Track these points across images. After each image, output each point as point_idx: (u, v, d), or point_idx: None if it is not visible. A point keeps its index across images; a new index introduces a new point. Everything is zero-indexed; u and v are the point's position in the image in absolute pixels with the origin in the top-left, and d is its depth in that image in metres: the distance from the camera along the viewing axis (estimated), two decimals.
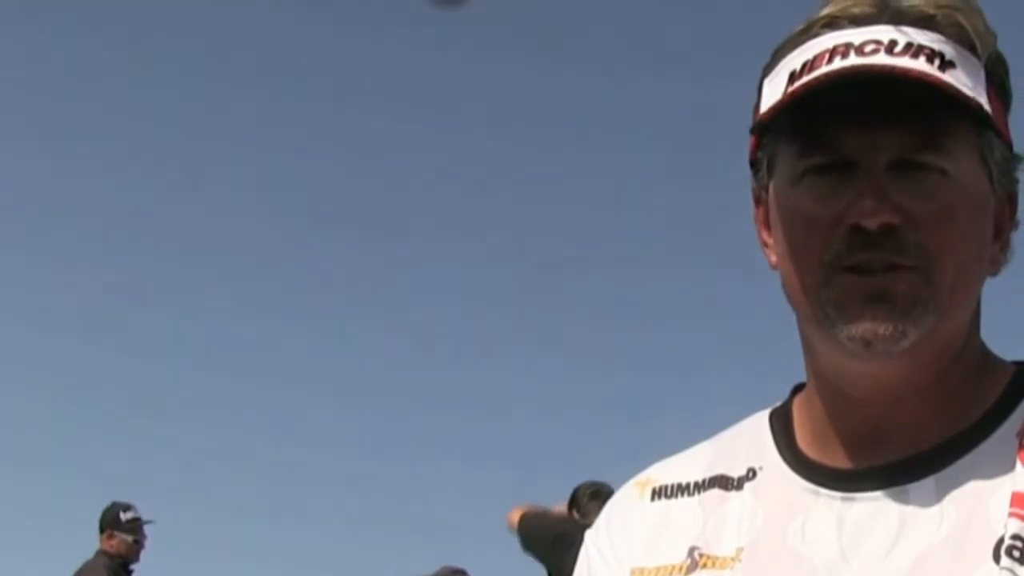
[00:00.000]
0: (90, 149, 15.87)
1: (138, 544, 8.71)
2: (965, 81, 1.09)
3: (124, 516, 8.67)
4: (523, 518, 7.17)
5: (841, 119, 1.09)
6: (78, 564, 8.50)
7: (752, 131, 1.16)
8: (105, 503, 8.61)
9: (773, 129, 1.14)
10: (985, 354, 1.19)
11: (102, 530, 8.63)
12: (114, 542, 8.58)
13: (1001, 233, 1.17)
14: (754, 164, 1.19)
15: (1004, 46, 1.14)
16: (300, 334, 16.43)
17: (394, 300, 16.25)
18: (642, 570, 1.20)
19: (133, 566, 8.68)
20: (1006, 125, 1.16)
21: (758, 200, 1.20)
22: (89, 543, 8.48)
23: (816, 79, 1.08)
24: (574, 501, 7.24)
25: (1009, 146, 1.15)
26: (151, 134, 16.08)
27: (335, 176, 16.56)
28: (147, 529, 8.73)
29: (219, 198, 16.20)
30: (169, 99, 16.38)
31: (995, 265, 1.17)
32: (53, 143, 15.93)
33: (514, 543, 7.22)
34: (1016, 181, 1.17)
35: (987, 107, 1.10)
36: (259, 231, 16.40)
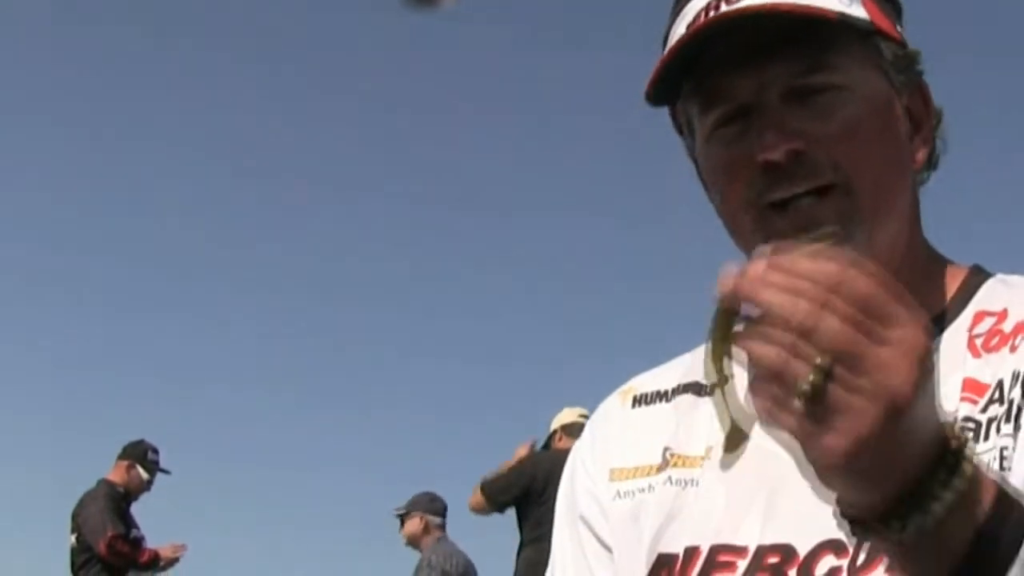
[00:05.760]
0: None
1: (149, 484, 8.88)
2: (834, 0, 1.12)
3: (151, 456, 8.85)
4: (483, 487, 7.42)
5: (728, 67, 1.14)
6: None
7: (649, 101, 1.19)
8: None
9: (681, 94, 1.19)
10: (932, 255, 1.23)
11: (122, 458, 8.80)
12: (133, 473, 8.75)
13: (920, 127, 1.21)
14: (681, 132, 1.25)
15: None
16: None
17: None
18: (620, 470, 1.27)
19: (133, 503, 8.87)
20: (893, 27, 1.19)
21: (697, 163, 1.25)
22: None
23: (681, 39, 1.14)
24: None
25: (902, 45, 1.19)
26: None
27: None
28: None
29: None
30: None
31: (921, 158, 1.20)
32: None
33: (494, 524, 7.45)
34: (920, 73, 1.21)
35: (860, 15, 1.14)
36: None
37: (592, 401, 1.43)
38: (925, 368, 0.81)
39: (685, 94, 1.19)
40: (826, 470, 0.84)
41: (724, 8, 1.13)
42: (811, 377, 0.80)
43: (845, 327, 0.80)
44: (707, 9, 1.15)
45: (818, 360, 0.80)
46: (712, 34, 1.13)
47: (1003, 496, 0.88)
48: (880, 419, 0.80)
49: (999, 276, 1.22)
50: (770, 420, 0.84)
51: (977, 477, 0.85)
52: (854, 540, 1.10)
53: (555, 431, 7.53)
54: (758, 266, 0.84)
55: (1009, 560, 0.85)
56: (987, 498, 0.86)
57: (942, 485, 0.83)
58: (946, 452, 0.84)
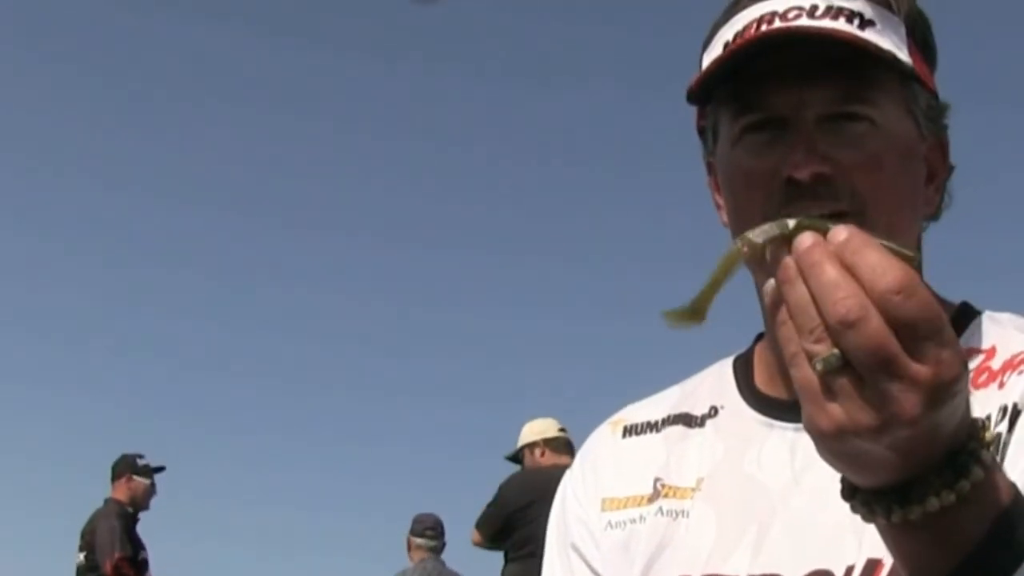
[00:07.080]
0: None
1: (153, 488, 8.89)
2: (884, 37, 1.17)
3: (140, 462, 8.87)
4: (477, 526, 7.70)
5: (772, 81, 1.17)
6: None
7: (688, 99, 1.23)
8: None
9: (714, 98, 1.22)
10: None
11: (116, 478, 8.80)
12: (132, 485, 8.76)
13: (934, 177, 1.24)
14: (702, 133, 1.27)
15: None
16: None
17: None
18: (612, 500, 1.29)
19: (141, 513, 8.85)
20: (930, 77, 1.23)
21: (710, 168, 1.28)
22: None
23: (738, 45, 1.17)
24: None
25: (935, 95, 1.23)
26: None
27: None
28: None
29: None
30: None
31: (930, 206, 1.23)
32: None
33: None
34: (945, 127, 1.25)
35: (906, 59, 1.18)
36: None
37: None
38: (949, 394, 0.79)
39: (719, 98, 1.21)
40: (813, 438, 0.83)
41: (778, 24, 1.16)
42: (827, 357, 0.79)
43: (886, 332, 0.78)
44: (760, 22, 1.17)
45: (835, 350, 0.79)
46: (763, 48, 1.15)
47: (1019, 500, 0.85)
48: (877, 427, 0.79)
49: (988, 313, 1.24)
50: (790, 364, 0.82)
51: (989, 480, 0.83)
52: (843, 572, 1.11)
53: (533, 444, 7.56)
54: (840, 233, 0.82)
55: (1019, 563, 0.83)
56: (1001, 499, 0.84)
57: (946, 485, 0.82)
58: (959, 454, 0.82)
